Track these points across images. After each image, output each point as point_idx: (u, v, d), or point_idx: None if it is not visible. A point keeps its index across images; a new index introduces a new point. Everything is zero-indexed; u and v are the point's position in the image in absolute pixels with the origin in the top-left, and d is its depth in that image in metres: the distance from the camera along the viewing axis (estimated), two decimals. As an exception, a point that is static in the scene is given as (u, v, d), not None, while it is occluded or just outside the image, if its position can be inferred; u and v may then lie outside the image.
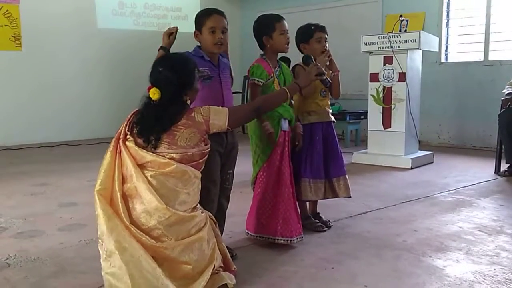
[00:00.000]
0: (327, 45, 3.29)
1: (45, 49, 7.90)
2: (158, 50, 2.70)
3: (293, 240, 2.92)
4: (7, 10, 7.55)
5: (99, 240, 2.19)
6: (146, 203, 2.17)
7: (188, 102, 2.33)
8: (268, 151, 2.93)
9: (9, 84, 7.63)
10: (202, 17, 2.65)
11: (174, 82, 2.25)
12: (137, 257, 2.11)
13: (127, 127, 2.30)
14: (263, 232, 2.95)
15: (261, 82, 2.88)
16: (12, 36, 7.62)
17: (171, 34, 2.73)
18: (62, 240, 3.15)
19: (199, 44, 2.72)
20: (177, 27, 2.76)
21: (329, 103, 3.40)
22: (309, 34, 3.26)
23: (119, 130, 2.31)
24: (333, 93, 3.35)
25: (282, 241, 2.90)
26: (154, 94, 2.24)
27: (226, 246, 2.61)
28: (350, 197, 3.38)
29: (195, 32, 2.69)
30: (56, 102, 8.06)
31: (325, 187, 3.30)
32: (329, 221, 3.42)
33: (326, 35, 3.28)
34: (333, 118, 3.39)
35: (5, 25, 7.55)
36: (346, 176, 3.36)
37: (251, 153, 3.03)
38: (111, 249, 2.12)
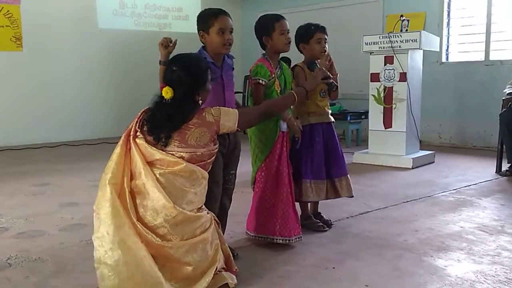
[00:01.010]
0: (327, 46, 3.28)
1: (46, 49, 7.90)
2: (159, 63, 2.65)
3: (292, 240, 2.92)
4: (8, 11, 7.55)
5: (99, 233, 2.18)
6: (153, 200, 2.18)
7: (200, 102, 2.34)
8: (266, 152, 2.93)
9: (10, 84, 7.64)
10: (209, 18, 2.63)
11: (187, 82, 2.27)
12: (140, 258, 2.11)
13: (137, 124, 2.31)
14: (262, 232, 2.95)
15: (265, 81, 2.88)
16: (13, 36, 7.62)
17: (168, 45, 2.67)
18: (63, 240, 3.15)
19: (203, 45, 2.70)
20: (170, 38, 2.68)
21: (329, 103, 3.40)
22: (309, 34, 3.25)
23: (129, 127, 2.32)
24: (331, 95, 3.34)
25: (280, 241, 2.90)
26: (167, 93, 2.25)
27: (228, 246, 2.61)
28: (352, 196, 3.38)
29: (200, 32, 2.67)
30: (57, 102, 8.06)
31: (327, 187, 3.30)
32: (330, 220, 3.42)
33: (326, 36, 3.27)
34: (332, 119, 3.39)
35: (6, 26, 7.56)
36: (348, 176, 3.36)
37: (250, 153, 3.03)
38: (114, 247, 2.12)
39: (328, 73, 2.81)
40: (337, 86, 3.16)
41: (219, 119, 2.34)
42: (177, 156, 2.24)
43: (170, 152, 2.25)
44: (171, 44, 2.67)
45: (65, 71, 8.14)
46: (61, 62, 8.09)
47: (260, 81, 2.88)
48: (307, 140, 3.25)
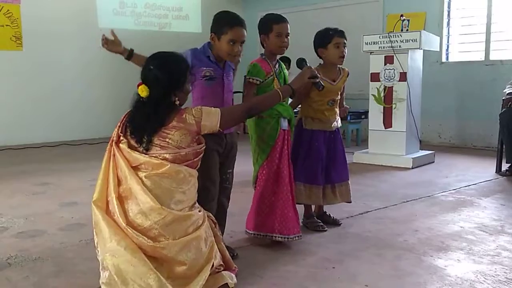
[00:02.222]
0: (346, 50, 3.27)
1: (46, 48, 7.90)
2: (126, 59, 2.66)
3: (291, 238, 2.92)
4: (8, 10, 7.55)
5: (96, 250, 2.23)
6: (141, 204, 2.17)
7: (177, 103, 2.29)
8: (267, 150, 2.93)
9: (10, 83, 7.64)
10: (225, 26, 2.59)
11: (163, 82, 2.22)
12: (129, 269, 2.12)
13: (120, 128, 2.29)
14: (261, 230, 2.95)
15: (258, 81, 2.87)
16: (13, 36, 7.62)
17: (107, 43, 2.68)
18: (63, 240, 3.15)
19: (209, 41, 2.68)
20: (103, 36, 2.72)
21: (337, 112, 3.40)
22: (327, 39, 3.24)
23: (113, 133, 2.31)
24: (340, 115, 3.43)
25: (279, 239, 2.90)
26: (143, 91, 2.23)
27: (227, 246, 2.61)
28: (350, 202, 3.42)
29: (211, 34, 2.64)
30: (57, 101, 8.06)
31: (325, 192, 3.32)
32: (338, 219, 3.45)
33: (345, 40, 3.26)
34: (339, 124, 3.39)
35: (6, 25, 7.56)
36: (349, 182, 3.39)
37: (251, 153, 3.03)
38: (105, 263, 2.16)
39: (316, 72, 2.79)
40: (324, 86, 2.97)
41: (200, 120, 2.28)
42: (160, 158, 2.22)
43: (153, 155, 2.23)
44: (110, 40, 2.69)
45: (65, 70, 8.13)
46: (61, 61, 8.09)
47: (251, 80, 2.88)
48: (306, 144, 3.25)
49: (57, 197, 4.32)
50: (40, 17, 7.79)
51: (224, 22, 2.61)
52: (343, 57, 3.26)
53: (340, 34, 3.26)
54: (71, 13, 8.12)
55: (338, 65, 3.35)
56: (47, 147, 7.38)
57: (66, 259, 2.81)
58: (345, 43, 3.26)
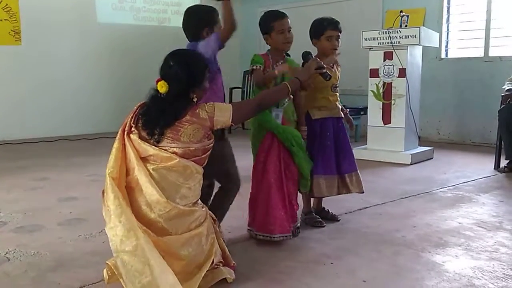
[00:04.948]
0: (339, 43, 3.25)
1: (44, 43, 7.88)
2: None
3: (274, 238, 2.86)
4: (7, 4, 7.52)
5: (111, 224, 2.16)
6: (147, 196, 2.19)
7: (195, 100, 2.33)
8: (258, 146, 2.95)
9: (9, 78, 7.61)
10: (212, 14, 2.73)
11: (183, 79, 2.26)
12: (152, 245, 2.11)
13: (132, 119, 2.31)
14: (249, 224, 3.00)
15: (260, 66, 2.89)
16: (11, 30, 7.60)
17: None
18: (62, 235, 3.15)
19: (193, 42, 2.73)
20: None
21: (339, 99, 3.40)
22: (320, 31, 3.24)
23: (125, 122, 2.32)
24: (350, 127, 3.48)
25: (261, 237, 2.89)
26: (162, 87, 2.26)
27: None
28: (363, 192, 3.37)
29: (205, 29, 2.73)
30: (55, 96, 8.04)
31: (338, 183, 3.28)
32: (336, 215, 3.44)
33: (339, 33, 3.25)
34: (342, 114, 3.39)
35: (5, 19, 7.53)
36: (358, 171, 3.36)
37: (251, 148, 3.04)
38: (129, 234, 2.11)
39: (322, 63, 2.80)
40: (331, 76, 3.05)
41: (213, 115, 2.32)
42: (170, 152, 2.24)
43: (163, 148, 2.25)
44: None
45: (64, 65, 8.11)
46: (60, 56, 8.07)
47: (255, 67, 2.89)
48: (318, 135, 3.24)
49: (56, 192, 4.32)
50: (39, 12, 7.76)
51: (210, 12, 2.76)
52: (335, 49, 3.25)
53: (333, 26, 3.24)
54: (70, 8, 8.09)
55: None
56: (46, 142, 7.37)
57: (65, 254, 2.81)
58: (338, 36, 3.25)
